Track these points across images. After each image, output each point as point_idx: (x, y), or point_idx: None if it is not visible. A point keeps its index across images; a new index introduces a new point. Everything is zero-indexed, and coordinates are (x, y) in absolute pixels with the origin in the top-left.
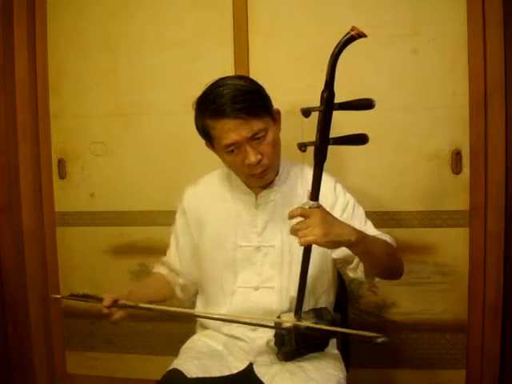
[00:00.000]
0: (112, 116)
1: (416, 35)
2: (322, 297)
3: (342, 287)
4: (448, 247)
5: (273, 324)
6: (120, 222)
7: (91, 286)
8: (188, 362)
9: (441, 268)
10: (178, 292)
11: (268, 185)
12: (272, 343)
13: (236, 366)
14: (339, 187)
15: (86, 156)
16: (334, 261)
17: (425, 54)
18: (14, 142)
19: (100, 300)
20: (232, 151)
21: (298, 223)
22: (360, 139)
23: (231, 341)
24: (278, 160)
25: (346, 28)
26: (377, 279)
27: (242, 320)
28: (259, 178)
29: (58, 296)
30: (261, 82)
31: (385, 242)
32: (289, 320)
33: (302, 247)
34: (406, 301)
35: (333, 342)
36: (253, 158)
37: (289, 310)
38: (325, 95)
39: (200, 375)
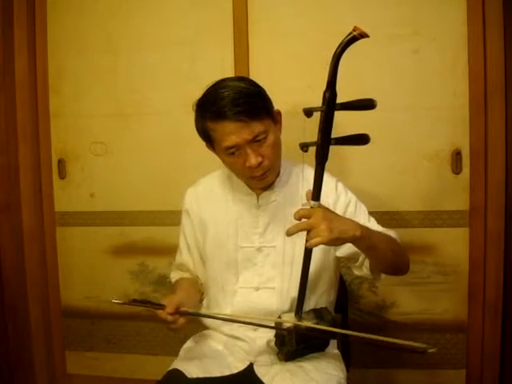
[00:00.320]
0: (112, 116)
1: (416, 35)
2: (323, 296)
3: (342, 287)
4: (448, 247)
5: (273, 324)
6: (120, 222)
7: (91, 285)
8: (188, 362)
9: (441, 268)
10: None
11: (269, 186)
12: (272, 343)
13: (236, 366)
14: (340, 186)
15: (85, 156)
16: (337, 259)
17: (425, 54)
18: (14, 141)
19: (162, 306)
20: (232, 153)
21: (300, 223)
22: (362, 139)
23: (231, 341)
24: (278, 161)
25: (346, 28)
26: (382, 276)
27: (258, 322)
28: (260, 180)
29: (120, 301)
30: (261, 82)
31: (390, 237)
32: (289, 320)
33: (303, 247)
34: (406, 301)
35: (333, 342)
36: (253, 160)
37: (289, 311)
38: (327, 95)
39: (200, 375)
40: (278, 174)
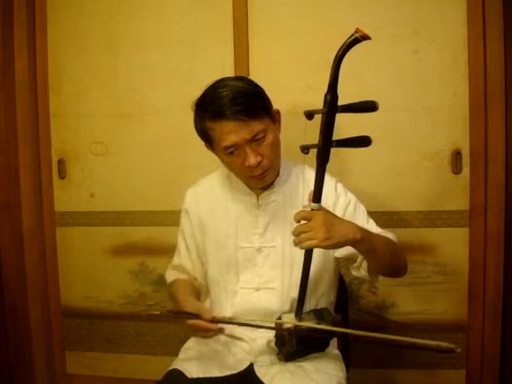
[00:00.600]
0: (112, 116)
1: (416, 35)
2: (323, 297)
3: (342, 288)
4: (448, 247)
5: (273, 325)
6: (120, 222)
7: (91, 285)
8: (188, 362)
9: (441, 268)
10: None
11: (269, 185)
12: (272, 343)
13: (236, 367)
14: (340, 186)
15: (85, 156)
16: (337, 260)
17: (425, 54)
18: (14, 141)
19: (197, 316)
20: (232, 153)
21: (300, 225)
22: (363, 141)
23: (231, 341)
24: (278, 161)
25: (346, 28)
26: (380, 277)
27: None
28: (259, 180)
29: (157, 312)
30: (261, 81)
31: (388, 239)
32: (289, 321)
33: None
34: (406, 301)
35: (333, 342)
36: (252, 159)
37: (289, 311)
38: (328, 98)
39: (200, 375)
40: (277, 174)
